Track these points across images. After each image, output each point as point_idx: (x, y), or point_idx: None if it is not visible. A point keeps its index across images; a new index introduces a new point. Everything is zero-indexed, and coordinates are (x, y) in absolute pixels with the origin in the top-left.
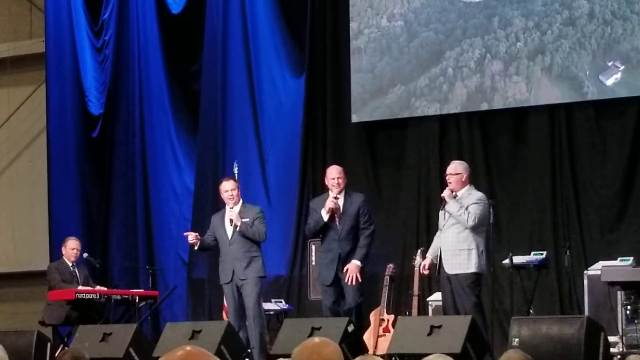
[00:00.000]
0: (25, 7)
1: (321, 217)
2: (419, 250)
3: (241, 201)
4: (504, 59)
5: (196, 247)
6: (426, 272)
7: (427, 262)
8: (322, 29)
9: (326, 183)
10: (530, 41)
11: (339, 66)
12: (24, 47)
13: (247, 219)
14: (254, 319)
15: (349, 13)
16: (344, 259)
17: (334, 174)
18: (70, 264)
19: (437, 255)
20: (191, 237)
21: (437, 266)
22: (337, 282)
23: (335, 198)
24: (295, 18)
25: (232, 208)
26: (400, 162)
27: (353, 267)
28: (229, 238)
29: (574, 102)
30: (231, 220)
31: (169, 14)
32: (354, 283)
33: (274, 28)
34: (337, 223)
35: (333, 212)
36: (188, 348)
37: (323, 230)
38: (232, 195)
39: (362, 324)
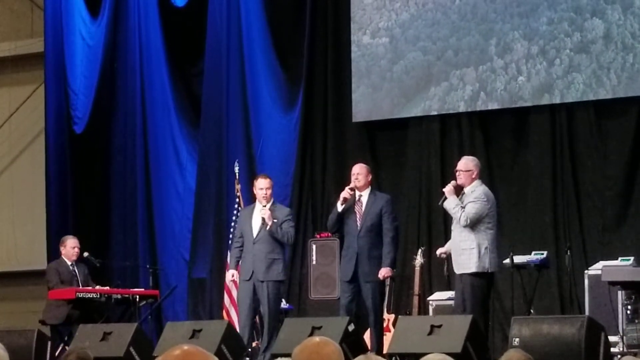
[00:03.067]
0: (27, 6)
1: (337, 207)
2: (420, 250)
3: (272, 200)
4: (501, 99)
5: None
6: (439, 256)
7: (443, 249)
8: (323, 28)
9: None
10: (534, 74)
11: (340, 65)
12: (25, 46)
13: (276, 220)
14: (269, 322)
15: (350, 11)
16: (362, 257)
17: (353, 171)
18: (69, 264)
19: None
20: (231, 277)
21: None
22: (355, 279)
23: (351, 190)
24: (292, 16)
25: (264, 206)
26: (401, 162)
27: (385, 272)
28: (254, 236)
29: (575, 102)
30: (263, 219)
31: (172, 8)
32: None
33: (270, 29)
34: (357, 220)
35: (352, 208)
36: (185, 347)
37: (342, 225)
38: (265, 193)
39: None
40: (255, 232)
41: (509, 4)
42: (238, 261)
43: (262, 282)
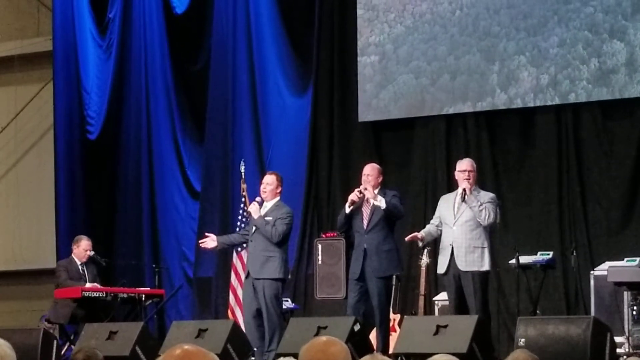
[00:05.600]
0: (33, 5)
1: (344, 209)
2: (426, 250)
3: (277, 199)
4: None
5: (217, 248)
6: (413, 237)
7: (419, 234)
8: (329, 31)
9: None
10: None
11: (346, 66)
12: (32, 45)
13: (270, 218)
14: (267, 320)
15: (356, 15)
16: (371, 252)
17: (364, 171)
18: (79, 263)
19: (428, 240)
20: (204, 243)
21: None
22: (363, 278)
23: (360, 192)
24: (302, 21)
25: (258, 202)
26: (407, 162)
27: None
28: (251, 234)
29: (581, 102)
30: (249, 214)
31: (173, 14)
32: (363, 189)
33: (279, 30)
34: (364, 218)
35: (360, 208)
36: (186, 347)
37: (352, 224)
38: (264, 189)
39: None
40: (252, 230)
41: (514, 16)
42: (228, 239)
43: (258, 279)
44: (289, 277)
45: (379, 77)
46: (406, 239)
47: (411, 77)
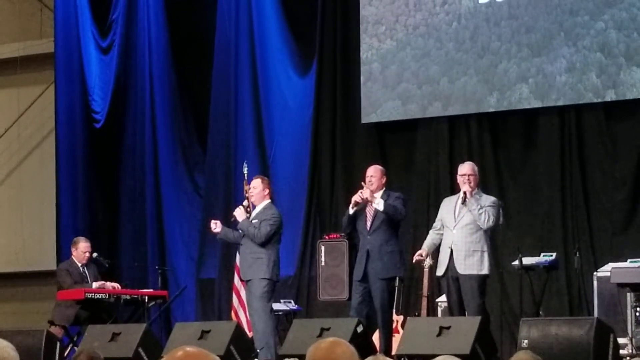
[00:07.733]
0: (36, 6)
1: (348, 210)
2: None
3: (266, 202)
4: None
5: (218, 236)
6: (418, 258)
7: (423, 252)
8: (332, 29)
9: None
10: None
11: (349, 66)
12: (34, 47)
13: (257, 220)
14: (255, 320)
15: (359, 11)
16: (373, 253)
17: (367, 173)
18: (79, 265)
19: (431, 253)
20: (213, 225)
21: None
22: (366, 279)
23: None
24: (304, 16)
25: (245, 205)
26: (410, 164)
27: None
28: (241, 237)
29: (584, 103)
30: (233, 216)
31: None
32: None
33: (281, 27)
34: (368, 219)
35: (364, 209)
36: (188, 349)
37: (356, 225)
38: (251, 193)
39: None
40: (242, 232)
41: (516, 29)
42: (231, 234)
43: (247, 280)
44: (278, 279)
45: (362, 102)
46: (414, 261)
47: (398, 103)
